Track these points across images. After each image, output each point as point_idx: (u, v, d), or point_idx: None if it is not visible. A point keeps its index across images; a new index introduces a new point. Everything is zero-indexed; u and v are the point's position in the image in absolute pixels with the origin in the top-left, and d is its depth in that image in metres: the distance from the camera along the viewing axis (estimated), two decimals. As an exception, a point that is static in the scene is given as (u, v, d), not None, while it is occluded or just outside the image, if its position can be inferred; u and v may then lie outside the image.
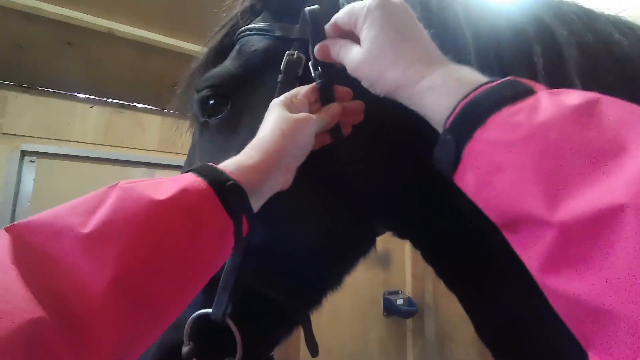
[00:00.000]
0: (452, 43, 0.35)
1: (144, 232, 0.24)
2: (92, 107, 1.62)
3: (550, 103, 0.21)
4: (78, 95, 1.63)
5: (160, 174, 1.75)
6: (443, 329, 2.37)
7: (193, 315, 0.36)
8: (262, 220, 0.32)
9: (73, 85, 1.58)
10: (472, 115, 0.23)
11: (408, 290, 2.40)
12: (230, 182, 0.28)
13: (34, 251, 0.21)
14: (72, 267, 0.21)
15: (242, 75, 0.41)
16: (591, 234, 0.17)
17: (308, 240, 0.39)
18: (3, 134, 1.42)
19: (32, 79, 1.51)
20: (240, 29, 0.44)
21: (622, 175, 0.17)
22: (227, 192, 0.28)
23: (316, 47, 0.36)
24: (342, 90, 0.37)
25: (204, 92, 0.42)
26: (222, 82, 0.41)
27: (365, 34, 0.31)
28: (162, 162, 1.73)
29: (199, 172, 0.28)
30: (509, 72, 0.26)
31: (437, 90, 0.26)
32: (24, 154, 1.47)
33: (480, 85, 0.24)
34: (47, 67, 1.46)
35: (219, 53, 0.46)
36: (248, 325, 0.37)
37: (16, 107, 1.46)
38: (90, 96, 1.64)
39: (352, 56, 0.32)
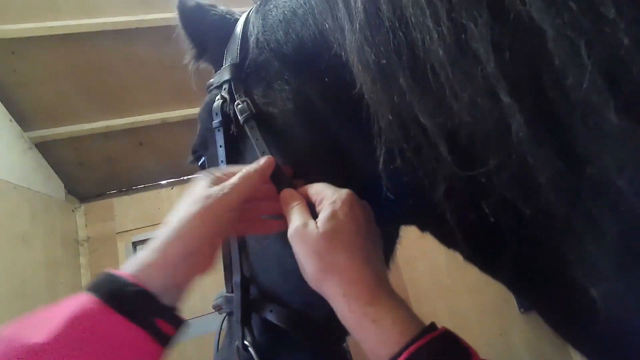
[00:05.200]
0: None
1: None
2: (172, 188, 1.86)
3: None
4: (161, 182, 1.89)
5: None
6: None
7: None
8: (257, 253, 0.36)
9: (155, 176, 1.85)
10: None
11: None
12: (131, 289, 0.26)
13: None
14: None
15: (202, 135, 0.47)
16: None
17: None
18: (117, 233, 1.72)
19: (126, 183, 1.82)
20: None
21: None
22: (129, 301, 0.26)
23: (266, 161, 0.35)
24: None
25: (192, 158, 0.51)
26: (194, 147, 0.49)
27: (327, 225, 0.29)
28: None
29: (94, 288, 0.27)
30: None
31: (383, 327, 0.26)
32: (135, 244, 1.74)
33: (422, 336, 0.25)
34: (132, 168, 1.75)
35: None
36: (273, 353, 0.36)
37: (121, 209, 1.77)
38: (169, 180, 1.89)
39: (304, 232, 0.30)
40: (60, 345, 0.22)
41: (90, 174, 1.68)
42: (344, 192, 0.31)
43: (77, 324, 0.23)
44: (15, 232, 1.21)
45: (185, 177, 1.90)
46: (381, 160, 0.27)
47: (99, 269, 1.65)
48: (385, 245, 0.38)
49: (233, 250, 0.36)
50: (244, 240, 0.36)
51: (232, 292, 0.37)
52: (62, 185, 1.64)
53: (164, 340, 0.28)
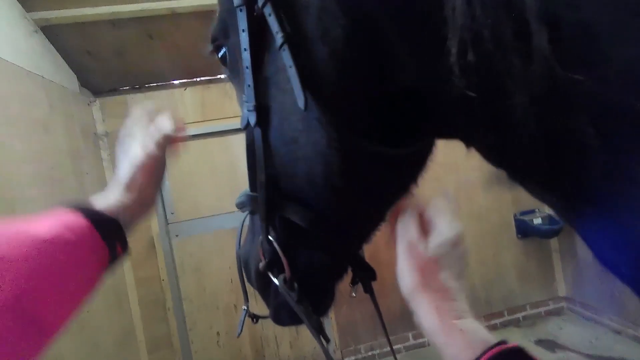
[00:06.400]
0: None
1: (32, 267, 0.29)
2: (185, 89, 1.80)
3: None
4: (174, 82, 1.83)
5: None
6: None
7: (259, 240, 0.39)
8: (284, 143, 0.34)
9: (167, 74, 1.78)
10: None
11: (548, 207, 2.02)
12: (106, 217, 0.37)
13: None
14: None
15: (222, 18, 0.39)
16: None
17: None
18: (134, 130, 1.74)
19: (138, 79, 1.76)
20: None
21: None
22: (104, 225, 0.36)
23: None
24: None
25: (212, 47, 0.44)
26: (213, 34, 0.41)
27: (438, 250, 0.35)
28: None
29: (78, 209, 0.36)
30: None
31: (469, 334, 0.32)
32: (152, 143, 1.78)
33: (499, 345, 0.29)
34: (143, 64, 1.68)
35: None
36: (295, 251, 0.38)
37: (135, 107, 1.76)
38: (182, 80, 1.82)
39: (416, 249, 0.35)
40: (58, 242, 0.31)
41: (101, 66, 1.62)
42: (457, 228, 0.35)
43: (68, 231, 0.32)
44: (34, 119, 1.24)
45: (198, 79, 1.83)
46: (454, 52, 0.22)
47: (120, 163, 1.73)
48: (420, 164, 0.37)
49: (258, 152, 0.35)
50: (268, 143, 0.35)
51: (256, 191, 0.37)
52: (75, 77, 1.60)
53: (114, 259, 0.37)
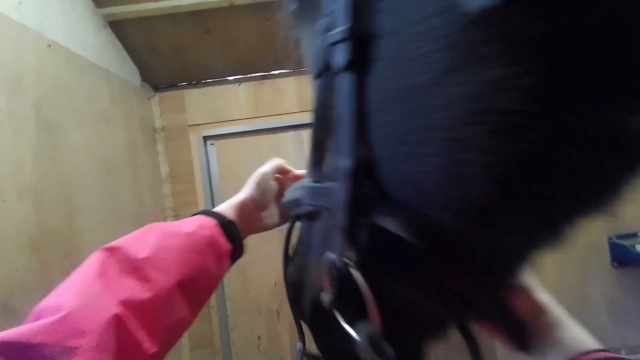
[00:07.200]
0: None
1: (186, 251, 0.35)
2: (239, 85, 1.77)
3: None
4: (228, 79, 1.81)
5: (305, 134, 1.78)
6: None
7: (325, 258, 0.25)
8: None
9: (222, 69, 1.77)
10: None
11: (656, 232, 1.65)
12: (227, 220, 0.42)
13: (113, 267, 0.30)
14: (138, 278, 0.30)
15: None
16: None
17: None
18: (189, 125, 1.75)
19: (194, 75, 1.77)
20: None
21: None
22: (227, 227, 0.41)
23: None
24: None
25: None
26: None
27: None
28: (303, 123, 1.74)
29: (206, 213, 0.42)
30: None
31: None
32: (205, 139, 1.77)
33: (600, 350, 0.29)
34: (199, 59, 1.68)
35: None
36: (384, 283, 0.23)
37: (191, 102, 1.77)
38: (236, 77, 1.80)
39: None
40: (197, 235, 0.37)
41: (161, 61, 1.65)
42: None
43: (203, 229, 0.38)
44: (97, 111, 1.26)
45: (251, 74, 1.79)
46: None
47: (174, 157, 1.74)
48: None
49: (343, 113, 0.21)
50: (364, 108, 0.20)
51: (327, 181, 0.24)
52: (137, 71, 1.65)
53: (235, 258, 0.42)
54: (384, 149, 0.19)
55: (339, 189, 0.22)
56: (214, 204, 1.79)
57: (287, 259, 0.36)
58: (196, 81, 1.81)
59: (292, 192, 0.31)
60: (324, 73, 0.23)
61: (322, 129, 0.23)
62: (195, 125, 1.77)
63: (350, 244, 0.22)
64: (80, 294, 0.25)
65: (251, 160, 1.79)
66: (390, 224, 0.20)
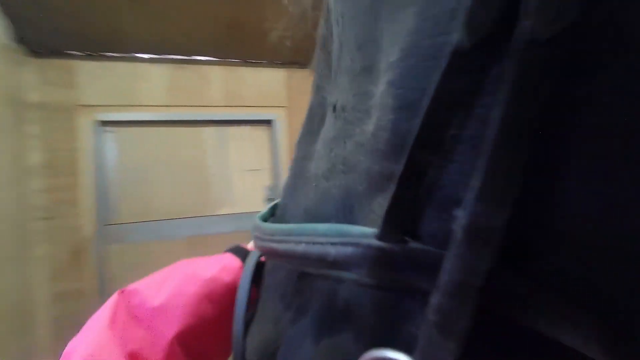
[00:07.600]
0: None
1: (196, 302, 0.32)
2: (153, 64, 1.50)
3: None
4: (142, 56, 1.52)
5: (231, 131, 1.59)
6: None
7: None
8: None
9: (134, 43, 1.47)
10: None
11: None
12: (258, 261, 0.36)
13: (126, 315, 0.30)
14: (146, 327, 0.30)
15: None
16: None
17: None
18: (78, 105, 1.40)
19: (94, 44, 1.43)
20: None
21: None
22: (257, 269, 0.34)
23: None
24: None
25: None
26: None
27: None
28: (230, 118, 1.56)
29: (235, 252, 0.37)
30: None
31: None
32: (101, 124, 1.43)
33: None
34: (105, 25, 1.36)
35: None
36: None
37: (84, 77, 1.42)
38: (152, 55, 1.51)
39: None
40: (216, 282, 0.33)
41: (47, 18, 1.28)
42: None
43: (224, 272, 0.34)
44: None
45: (171, 56, 1.53)
46: None
47: (53, 143, 1.36)
48: None
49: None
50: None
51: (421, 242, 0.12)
52: (11, 26, 1.25)
53: None
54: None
55: (456, 262, 0.11)
56: (103, 204, 1.44)
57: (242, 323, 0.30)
58: (95, 52, 1.46)
59: (342, 246, 0.14)
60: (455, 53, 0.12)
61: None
62: (88, 106, 1.42)
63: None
64: (92, 344, 0.26)
65: (161, 156, 1.51)
66: (571, 335, 0.10)
